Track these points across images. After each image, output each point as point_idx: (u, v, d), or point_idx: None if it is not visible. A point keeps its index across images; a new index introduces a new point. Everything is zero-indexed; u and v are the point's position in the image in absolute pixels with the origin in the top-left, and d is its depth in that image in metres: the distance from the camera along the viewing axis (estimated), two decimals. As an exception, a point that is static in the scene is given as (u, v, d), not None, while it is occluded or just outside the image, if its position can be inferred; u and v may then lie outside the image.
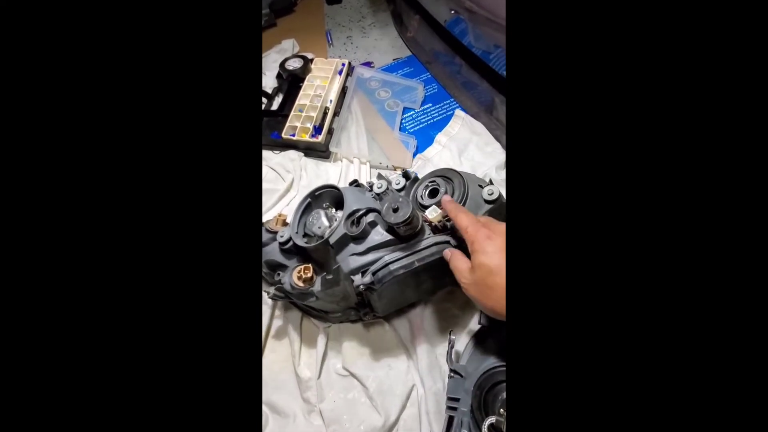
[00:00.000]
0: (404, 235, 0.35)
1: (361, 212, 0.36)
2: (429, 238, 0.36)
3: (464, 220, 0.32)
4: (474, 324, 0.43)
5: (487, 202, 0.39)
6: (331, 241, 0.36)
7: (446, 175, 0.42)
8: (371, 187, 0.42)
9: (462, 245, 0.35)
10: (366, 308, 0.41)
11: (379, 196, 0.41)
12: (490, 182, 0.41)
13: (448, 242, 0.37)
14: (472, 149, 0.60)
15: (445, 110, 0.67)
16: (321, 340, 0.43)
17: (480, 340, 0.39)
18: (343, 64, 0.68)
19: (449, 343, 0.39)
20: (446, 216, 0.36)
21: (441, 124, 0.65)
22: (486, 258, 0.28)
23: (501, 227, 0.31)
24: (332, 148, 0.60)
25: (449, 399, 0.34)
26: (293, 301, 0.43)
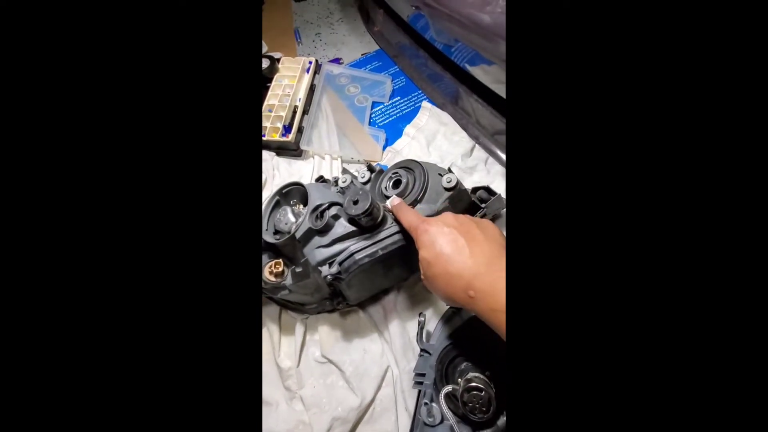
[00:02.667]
0: (366, 225, 0.37)
1: (324, 206, 0.38)
2: (392, 227, 0.38)
3: (406, 220, 0.34)
4: (443, 306, 0.46)
5: (447, 189, 0.41)
6: (297, 235, 0.37)
7: (408, 166, 0.44)
8: (336, 182, 0.44)
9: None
10: (339, 298, 0.43)
11: (343, 191, 0.43)
12: (449, 170, 0.43)
13: (409, 230, 0.39)
14: (439, 139, 0.62)
15: (413, 102, 0.69)
16: (299, 331, 0.45)
17: (447, 319, 0.42)
18: (310, 62, 0.69)
19: (419, 325, 0.41)
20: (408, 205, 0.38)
21: (410, 116, 0.66)
22: (424, 251, 0.30)
23: (440, 216, 0.32)
24: (303, 146, 0.61)
25: (416, 375, 0.37)
26: (270, 296, 0.45)
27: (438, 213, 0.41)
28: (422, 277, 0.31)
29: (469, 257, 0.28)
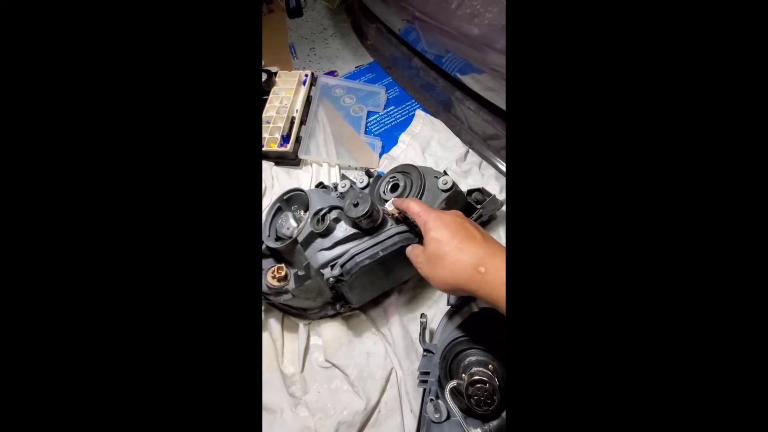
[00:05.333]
0: (367, 228, 0.38)
1: (324, 210, 0.39)
2: (391, 229, 0.39)
3: (415, 207, 0.35)
4: (444, 305, 0.46)
5: (443, 191, 0.43)
6: (299, 239, 0.38)
7: (405, 170, 0.46)
8: (336, 187, 0.45)
9: (420, 235, 0.39)
10: (342, 301, 0.44)
11: (343, 195, 0.44)
12: (445, 173, 0.44)
13: (409, 231, 0.40)
14: (434, 145, 0.64)
15: (407, 111, 0.71)
16: (302, 337, 0.46)
17: (448, 318, 0.42)
18: (306, 75, 0.71)
19: (421, 326, 0.42)
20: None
21: (404, 124, 0.68)
22: (436, 233, 0.31)
23: (449, 212, 0.34)
24: (301, 155, 0.62)
25: (421, 373, 0.37)
26: (273, 302, 0.45)
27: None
28: (425, 262, 0.32)
29: (481, 240, 0.30)
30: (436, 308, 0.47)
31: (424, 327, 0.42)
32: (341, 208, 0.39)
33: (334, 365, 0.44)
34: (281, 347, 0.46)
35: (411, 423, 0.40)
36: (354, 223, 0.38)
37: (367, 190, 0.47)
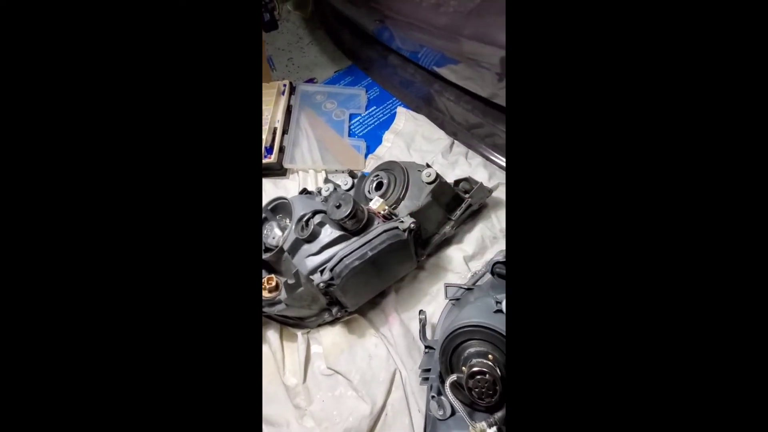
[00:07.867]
0: (353, 228, 0.38)
1: (308, 215, 0.38)
2: (378, 227, 0.39)
3: None
4: (443, 300, 0.45)
5: (427, 183, 0.42)
6: (285, 247, 0.38)
7: (388, 167, 0.45)
8: (320, 192, 0.45)
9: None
10: (338, 306, 0.43)
11: (327, 199, 0.43)
12: (428, 165, 0.44)
13: (397, 228, 0.39)
14: (418, 140, 0.64)
15: (388, 110, 0.71)
16: (302, 346, 0.45)
17: (448, 312, 0.41)
18: (285, 85, 0.71)
19: (420, 323, 0.41)
20: (391, 204, 0.39)
21: (387, 123, 0.68)
22: None
23: None
24: (286, 165, 0.62)
25: (422, 371, 0.37)
26: (268, 314, 0.45)
27: (422, 208, 0.41)
28: None
29: None
30: (435, 304, 0.46)
31: (423, 324, 0.41)
32: (325, 212, 0.38)
33: (336, 372, 0.43)
34: (282, 359, 0.45)
35: (420, 422, 0.39)
36: (340, 225, 0.38)
37: (352, 192, 0.46)
